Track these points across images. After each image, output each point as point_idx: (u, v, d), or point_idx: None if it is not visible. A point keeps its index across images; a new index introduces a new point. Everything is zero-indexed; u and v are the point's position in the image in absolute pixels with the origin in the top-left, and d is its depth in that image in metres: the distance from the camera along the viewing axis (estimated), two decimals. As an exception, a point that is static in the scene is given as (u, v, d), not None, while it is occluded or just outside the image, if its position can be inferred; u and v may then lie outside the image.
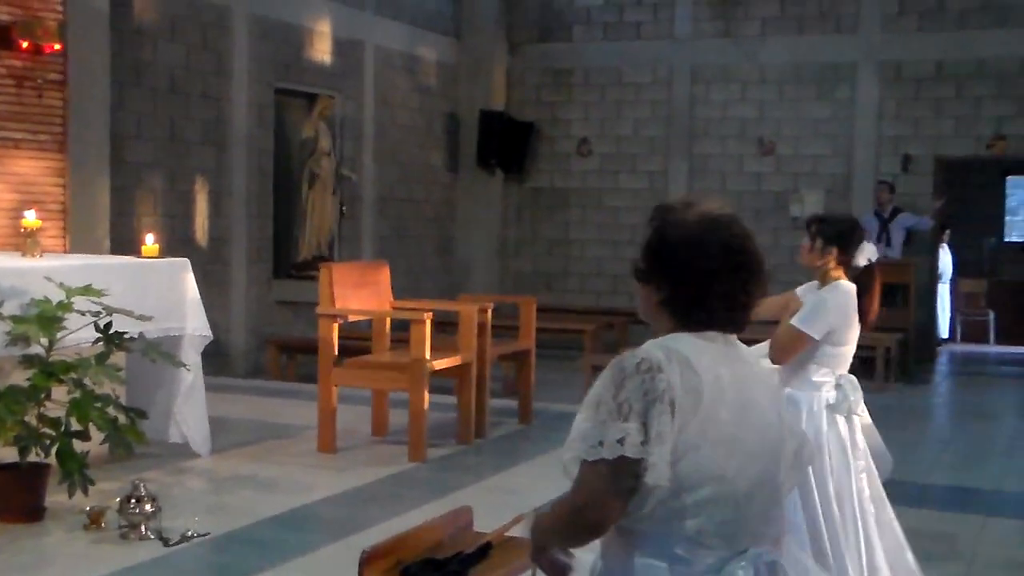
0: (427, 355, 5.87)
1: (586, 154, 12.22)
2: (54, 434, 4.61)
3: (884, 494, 3.66)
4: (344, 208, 10.43)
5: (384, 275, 6.64)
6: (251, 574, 4.13)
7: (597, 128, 12.17)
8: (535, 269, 12.43)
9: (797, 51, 11.41)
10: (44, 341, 4.73)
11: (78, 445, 4.64)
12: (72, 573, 4.10)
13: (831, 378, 3.57)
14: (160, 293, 5.59)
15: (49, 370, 4.63)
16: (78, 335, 4.87)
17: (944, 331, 13.01)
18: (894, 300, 10.53)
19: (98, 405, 4.67)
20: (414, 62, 11.44)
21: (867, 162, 11.22)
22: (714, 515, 1.80)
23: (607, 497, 1.77)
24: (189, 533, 4.45)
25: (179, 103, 8.67)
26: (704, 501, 1.79)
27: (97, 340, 4.91)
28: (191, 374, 5.68)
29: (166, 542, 4.36)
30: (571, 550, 1.93)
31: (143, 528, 4.40)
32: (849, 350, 3.62)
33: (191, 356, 5.69)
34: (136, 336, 5.09)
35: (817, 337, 3.50)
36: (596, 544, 1.89)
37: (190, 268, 5.83)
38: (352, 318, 6.50)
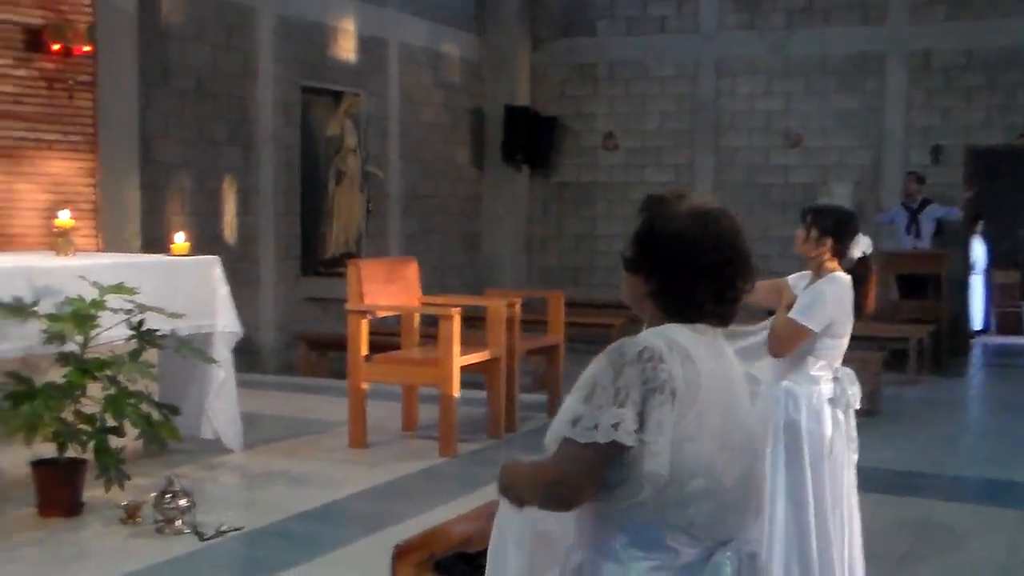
0: (456, 350, 5.89)
1: (612, 148, 12.19)
2: (90, 430, 4.66)
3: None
4: (371, 205, 10.47)
5: (412, 271, 6.67)
6: (285, 568, 4.17)
7: (622, 122, 12.14)
8: (561, 264, 12.42)
9: (823, 43, 11.32)
10: (79, 339, 4.79)
11: (113, 441, 4.70)
12: (110, 566, 4.15)
13: (828, 371, 3.54)
14: (190, 290, 5.63)
15: (84, 367, 4.69)
16: (111, 333, 4.92)
17: (978, 323, 12.87)
18: (926, 291, 10.45)
19: (132, 402, 4.72)
20: (438, 58, 11.46)
21: (896, 153, 11.13)
22: (703, 506, 1.81)
23: (586, 479, 1.79)
24: (223, 527, 4.49)
25: (206, 103, 8.73)
26: (696, 492, 1.80)
27: (130, 337, 4.97)
28: (222, 370, 5.72)
29: (201, 536, 4.40)
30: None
31: (178, 522, 4.45)
32: (845, 342, 3.59)
33: (222, 352, 5.74)
34: (168, 333, 5.15)
35: (817, 330, 3.46)
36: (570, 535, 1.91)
37: (219, 265, 5.87)
38: (381, 314, 6.52)
